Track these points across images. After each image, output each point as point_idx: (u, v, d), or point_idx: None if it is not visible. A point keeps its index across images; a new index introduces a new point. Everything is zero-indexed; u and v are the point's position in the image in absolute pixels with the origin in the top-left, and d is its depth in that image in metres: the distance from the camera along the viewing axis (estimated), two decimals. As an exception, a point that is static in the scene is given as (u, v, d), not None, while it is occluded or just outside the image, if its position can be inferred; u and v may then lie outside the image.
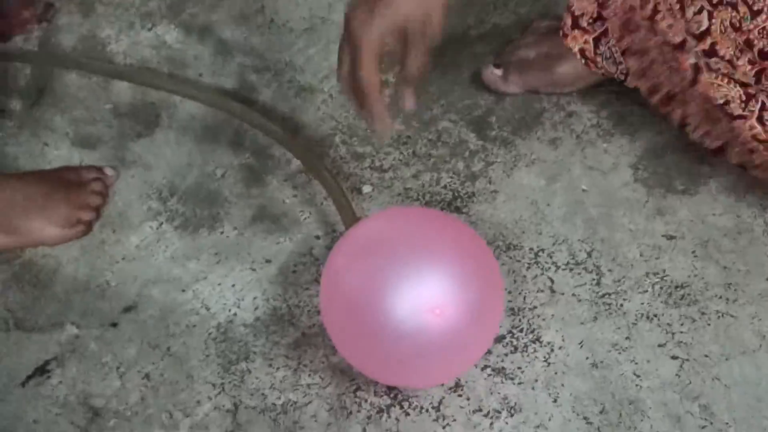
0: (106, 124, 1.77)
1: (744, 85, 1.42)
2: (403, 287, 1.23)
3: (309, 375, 1.46)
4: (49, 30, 1.91)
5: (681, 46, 1.43)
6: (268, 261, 1.61)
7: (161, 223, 1.64)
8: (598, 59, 1.62)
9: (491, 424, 1.38)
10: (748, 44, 1.35)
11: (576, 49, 1.64)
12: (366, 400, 1.42)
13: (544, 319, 1.49)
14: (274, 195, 1.69)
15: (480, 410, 1.40)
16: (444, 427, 1.38)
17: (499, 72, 1.73)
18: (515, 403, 1.39)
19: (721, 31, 1.39)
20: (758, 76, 1.38)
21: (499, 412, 1.39)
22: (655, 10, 1.48)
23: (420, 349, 1.24)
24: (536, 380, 1.42)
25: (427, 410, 1.40)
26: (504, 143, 1.70)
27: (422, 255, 1.29)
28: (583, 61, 1.65)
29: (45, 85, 1.82)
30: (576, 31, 1.64)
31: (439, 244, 1.31)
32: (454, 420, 1.38)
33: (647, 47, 1.56)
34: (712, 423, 1.37)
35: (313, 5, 1.97)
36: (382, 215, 1.43)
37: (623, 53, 1.61)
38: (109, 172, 1.66)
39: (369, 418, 1.40)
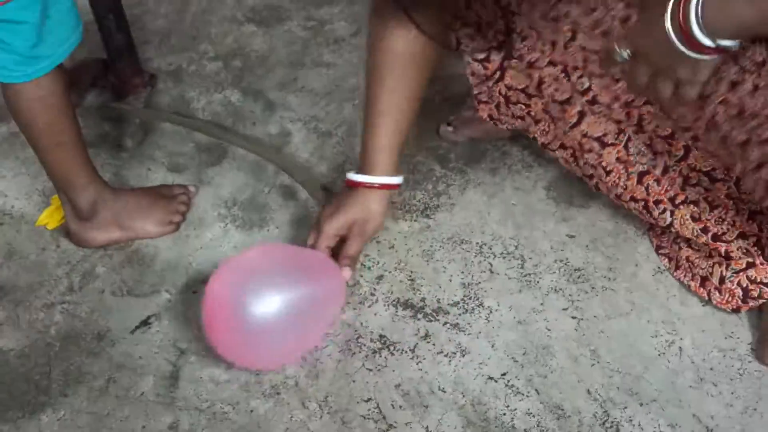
0: (190, 156, 1.78)
1: (617, 122, 1.42)
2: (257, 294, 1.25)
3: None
4: (152, 92, 1.89)
5: (567, 101, 1.42)
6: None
7: (226, 224, 1.66)
8: (503, 119, 1.63)
9: (449, 361, 1.41)
10: (617, 98, 1.38)
11: (485, 116, 1.64)
12: (365, 345, 1.44)
13: (485, 291, 1.52)
14: (303, 205, 1.70)
15: (442, 352, 1.42)
16: (417, 364, 1.40)
17: (450, 129, 1.79)
18: (465, 348, 1.43)
19: (601, 86, 1.39)
20: (627, 115, 1.41)
21: (455, 354, 1.42)
22: (540, 82, 1.47)
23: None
24: (480, 332, 1.45)
25: (405, 352, 1.42)
26: (459, 172, 1.73)
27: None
28: (492, 123, 1.66)
29: (148, 130, 1.82)
30: (482, 104, 1.63)
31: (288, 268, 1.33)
32: (424, 359, 1.41)
33: (534, 109, 1.56)
34: (598, 362, 1.41)
35: (331, 76, 1.95)
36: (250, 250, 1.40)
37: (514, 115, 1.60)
38: (191, 188, 1.68)
39: (366, 357, 1.42)
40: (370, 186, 1.38)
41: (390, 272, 1.58)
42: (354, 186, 1.38)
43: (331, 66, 1.94)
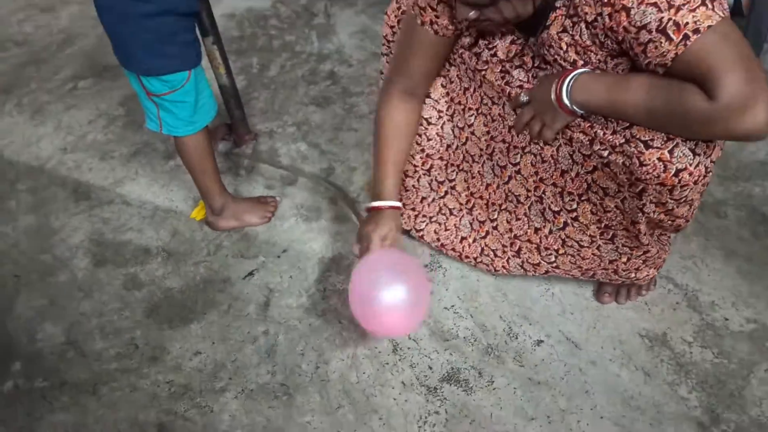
0: (277, 181, 1.79)
1: (481, 149, 1.29)
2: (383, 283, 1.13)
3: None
4: (255, 144, 1.92)
5: (461, 128, 1.29)
6: (338, 235, 1.63)
7: (297, 219, 1.66)
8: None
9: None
10: (489, 133, 1.25)
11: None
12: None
13: (443, 260, 1.52)
14: (339, 210, 1.67)
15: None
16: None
17: None
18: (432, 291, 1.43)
19: (481, 123, 1.28)
20: (487, 147, 1.28)
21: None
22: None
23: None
24: (439, 282, 1.46)
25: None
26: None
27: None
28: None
29: (253, 165, 1.85)
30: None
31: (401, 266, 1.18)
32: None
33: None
34: (506, 300, 1.41)
35: (358, 136, 1.92)
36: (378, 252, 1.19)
37: None
38: (277, 198, 1.69)
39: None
40: (389, 208, 1.24)
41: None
42: (377, 210, 1.25)
43: (358, 130, 1.95)
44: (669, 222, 1.09)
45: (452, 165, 1.36)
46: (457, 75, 1.24)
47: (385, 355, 1.31)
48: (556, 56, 1.02)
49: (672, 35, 0.84)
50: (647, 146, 0.95)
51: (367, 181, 1.69)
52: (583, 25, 0.95)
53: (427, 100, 1.29)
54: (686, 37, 0.83)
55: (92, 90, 2.23)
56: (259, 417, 1.23)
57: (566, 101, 1.00)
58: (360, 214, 1.61)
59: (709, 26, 0.82)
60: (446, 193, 1.40)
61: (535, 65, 1.08)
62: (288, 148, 1.90)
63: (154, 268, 1.54)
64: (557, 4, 0.97)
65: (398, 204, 1.27)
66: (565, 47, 0.99)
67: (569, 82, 0.99)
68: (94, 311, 1.45)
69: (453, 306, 1.41)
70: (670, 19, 0.83)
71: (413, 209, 1.45)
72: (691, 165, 0.94)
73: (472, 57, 1.16)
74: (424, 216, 1.45)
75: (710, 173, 0.98)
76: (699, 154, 0.94)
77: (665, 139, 0.94)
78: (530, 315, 1.37)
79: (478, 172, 1.32)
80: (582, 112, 1.01)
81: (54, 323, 1.43)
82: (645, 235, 1.13)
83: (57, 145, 1.98)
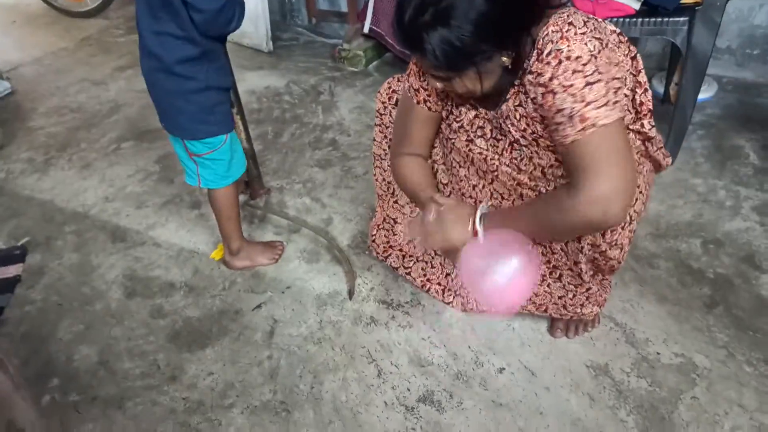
0: (283, 228, 1.79)
1: None
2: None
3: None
4: (267, 197, 1.93)
5: None
6: (334, 276, 1.63)
7: (300, 260, 1.66)
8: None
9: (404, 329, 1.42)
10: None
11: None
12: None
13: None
14: (333, 255, 1.65)
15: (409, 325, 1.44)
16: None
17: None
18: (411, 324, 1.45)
19: None
20: None
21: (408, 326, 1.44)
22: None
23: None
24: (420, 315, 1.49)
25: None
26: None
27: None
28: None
29: (265, 215, 1.85)
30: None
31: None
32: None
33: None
34: (473, 330, 1.42)
35: (353, 192, 1.92)
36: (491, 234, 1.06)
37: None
38: (284, 243, 1.69)
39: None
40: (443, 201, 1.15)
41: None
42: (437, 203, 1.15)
43: (354, 188, 1.95)
44: (604, 262, 1.11)
45: None
46: (438, 140, 1.29)
47: (370, 378, 1.31)
48: (510, 126, 1.07)
49: (577, 123, 0.89)
50: None
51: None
52: (530, 100, 1.00)
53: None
54: (584, 128, 0.88)
55: (133, 150, 2.26)
56: (261, 431, 1.22)
57: (480, 231, 1.06)
58: (348, 261, 1.61)
59: (604, 124, 0.88)
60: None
61: (493, 135, 1.11)
62: (295, 202, 1.90)
63: (177, 300, 1.53)
64: (516, 83, 1.02)
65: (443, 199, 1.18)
66: (518, 117, 1.04)
67: (479, 220, 1.06)
68: (123, 336, 1.45)
69: (429, 337, 1.41)
70: (579, 111, 0.88)
71: (400, 250, 1.46)
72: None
73: (446, 128, 1.21)
74: (411, 256, 1.45)
75: (634, 221, 1.02)
76: (626, 219, 0.99)
77: None
78: (494, 346, 1.36)
79: None
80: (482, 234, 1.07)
81: (89, 345, 1.42)
82: (586, 273, 1.16)
83: (100, 195, 2.00)
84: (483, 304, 1.18)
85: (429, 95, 1.15)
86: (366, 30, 2.82)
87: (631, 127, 1.07)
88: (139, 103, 2.57)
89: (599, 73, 0.89)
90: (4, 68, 2.82)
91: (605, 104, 0.88)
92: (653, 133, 1.12)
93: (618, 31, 1.03)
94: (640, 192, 1.05)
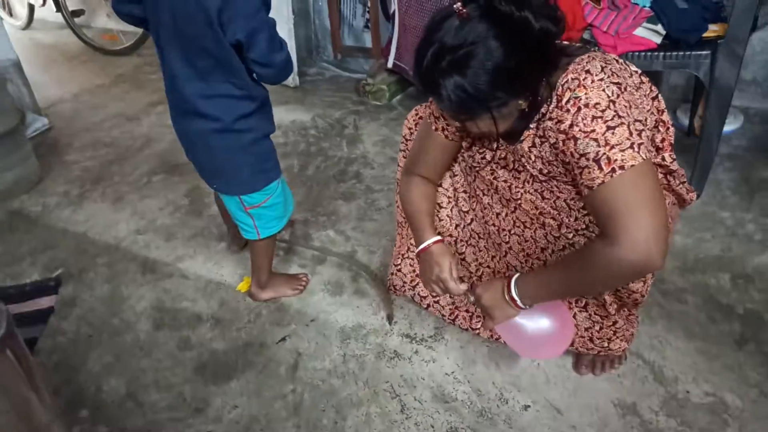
0: (308, 260, 1.81)
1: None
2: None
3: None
4: (293, 230, 1.96)
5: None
6: (358, 308, 1.65)
7: (324, 293, 1.67)
8: None
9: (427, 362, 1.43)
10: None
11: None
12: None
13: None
14: (359, 284, 1.69)
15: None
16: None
17: None
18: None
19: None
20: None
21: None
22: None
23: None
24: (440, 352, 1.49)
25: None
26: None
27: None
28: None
29: (291, 248, 1.87)
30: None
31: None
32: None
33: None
34: (498, 368, 1.43)
35: (376, 225, 1.95)
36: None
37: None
38: (308, 276, 1.71)
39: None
40: (433, 243, 1.21)
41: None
42: (426, 251, 1.22)
43: (377, 220, 1.97)
44: (627, 295, 1.11)
45: (461, 241, 1.38)
46: (461, 169, 1.32)
47: (394, 414, 1.30)
48: (526, 164, 1.09)
49: (603, 166, 0.88)
50: None
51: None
52: (547, 144, 1.02)
53: (440, 189, 1.33)
54: (613, 170, 0.87)
55: (163, 183, 2.31)
56: (284, 465, 1.22)
57: (519, 303, 1.07)
58: (383, 286, 1.62)
59: (632, 165, 0.87)
60: (457, 263, 1.41)
61: (515, 167, 1.13)
62: (319, 234, 1.93)
63: (203, 332, 1.55)
64: (531, 126, 1.03)
65: (438, 237, 1.24)
66: (533, 159, 1.06)
67: (514, 287, 1.06)
68: (151, 367, 1.47)
69: (453, 372, 1.40)
70: (604, 154, 0.88)
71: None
72: None
73: (469, 157, 1.23)
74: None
75: None
76: None
77: None
78: (519, 383, 1.35)
79: (484, 246, 1.34)
80: (526, 306, 1.08)
81: (117, 377, 1.45)
82: (611, 305, 1.16)
83: (131, 228, 2.04)
84: (522, 355, 1.23)
85: (448, 125, 1.16)
86: (389, 65, 2.87)
87: (654, 160, 1.09)
88: (169, 137, 2.64)
89: (619, 116, 0.90)
90: (43, 105, 2.92)
91: (630, 146, 0.88)
92: (675, 166, 1.12)
93: (639, 71, 1.04)
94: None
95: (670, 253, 1.64)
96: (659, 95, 1.07)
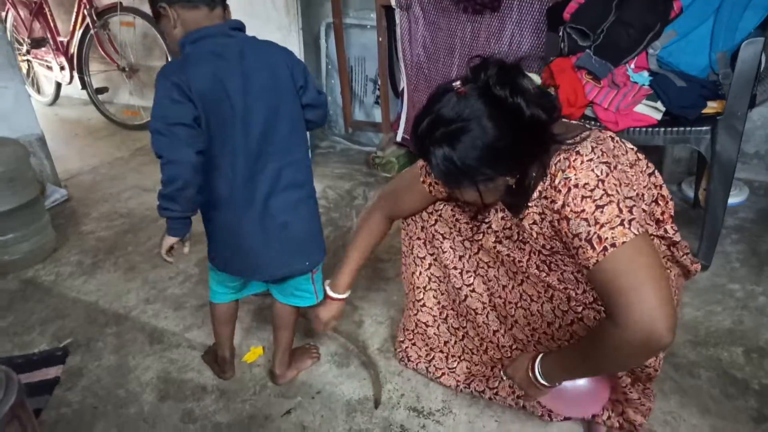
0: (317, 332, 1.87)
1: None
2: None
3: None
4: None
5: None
6: (364, 380, 1.64)
7: (331, 364, 1.66)
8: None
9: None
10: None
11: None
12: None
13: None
14: (361, 362, 1.71)
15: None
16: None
17: None
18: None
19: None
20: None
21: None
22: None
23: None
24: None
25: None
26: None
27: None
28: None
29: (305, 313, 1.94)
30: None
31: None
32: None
33: None
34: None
35: (386, 295, 1.96)
36: None
37: None
38: (317, 346, 1.70)
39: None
40: (336, 300, 1.43)
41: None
42: (329, 298, 1.43)
43: (386, 290, 1.97)
44: (640, 369, 1.10)
45: (461, 315, 1.40)
46: (450, 246, 1.34)
47: (399, 492, 1.26)
48: (529, 239, 1.11)
49: (596, 245, 0.90)
50: None
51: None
52: (547, 222, 1.05)
53: (432, 269, 1.38)
54: (605, 249, 0.89)
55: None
56: None
57: (543, 382, 1.10)
58: (375, 368, 1.62)
59: (623, 242, 0.88)
60: (463, 336, 1.43)
61: (519, 239, 1.16)
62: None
63: (208, 404, 1.53)
64: (530, 204, 1.07)
65: (343, 297, 1.40)
66: (535, 235, 1.09)
67: (537, 369, 1.09)
68: (154, 441, 1.44)
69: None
70: (595, 233, 0.90)
71: (441, 351, 1.47)
72: None
73: (470, 229, 1.26)
74: (453, 356, 1.46)
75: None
76: None
77: None
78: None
79: (483, 321, 1.34)
80: (552, 385, 1.11)
81: (120, 450, 1.42)
82: (622, 377, 1.14)
83: (141, 297, 2.06)
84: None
85: (437, 183, 1.22)
86: (399, 138, 2.98)
87: (654, 233, 1.11)
88: (183, 208, 2.69)
89: (608, 195, 0.93)
90: (63, 177, 3.02)
91: (620, 223, 0.90)
92: (677, 237, 1.14)
93: (635, 149, 1.09)
94: (676, 301, 1.07)
95: (681, 326, 1.64)
96: (656, 171, 1.11)
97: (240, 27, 1.18)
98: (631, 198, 0.94)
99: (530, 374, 1.10)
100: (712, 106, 1.83)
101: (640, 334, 0.86)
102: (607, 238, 0.89)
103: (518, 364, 1.15)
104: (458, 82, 0.94)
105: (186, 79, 1.08)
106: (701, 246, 1.93)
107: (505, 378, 1.19)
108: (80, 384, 1.66)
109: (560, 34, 1.98)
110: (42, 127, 2.83)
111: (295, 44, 2.89)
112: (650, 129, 1.85)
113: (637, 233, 0.90)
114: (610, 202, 0.91)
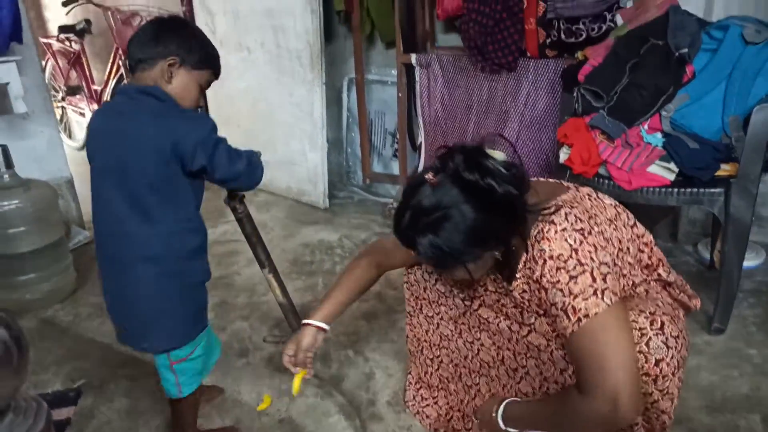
0: (327, 383, 1.83)
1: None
2: None
3: None
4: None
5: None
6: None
7: (340, 414, 1.63)
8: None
9: None
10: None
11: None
12: None
13: None
14: (380, 411, 1.71)
15: None
16: None
17: None
18: None
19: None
20: None
21: None
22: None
23: None
24: None
25: None
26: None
27: None
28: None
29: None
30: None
31: None
32: None
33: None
34: None
35: (395, 346, 1.94)
36: None
37: None
38: (239, 430, 1.58)
39: None
40: (313, 326, 1.31)
41: None
42: (306, 325, 1.32)
43: (397, 342, 1.95)
44: (656, 416, 1.07)
45: (474, 371, 1.39)
46: (453, 303, 1.34)
47: None
48: (521, 305, 1.17)
49: (570, 315, 0.95)
50: None
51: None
52: (534, 290, 1.08)
53: (441, 328, 1.40)
54: (579, 319, 0.94)
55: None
56: None
57: (503, 426, 1.15)
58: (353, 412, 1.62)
59: (596, 313, 0.93)
60: (475, 395, 1.42)
61: (513, 304, 1.22)
62: (338, 354, 1.91)
63: (215, 451, 1.52)
64: (518, 275, 1.11)
65: (323, 325, 1.31)
66: (527, 303, 1.14)
67: (501, 412, 1.14)
68: (159, 488, 1.43)
69: None
70: (569, 303, 0.96)
71: (458, 410, 1.46)
72: (666, 356, 1.00)
73: (462, 304, 1.30)
74: (468, 415, 1.43)
75: (682, 368, 1.03)
76: (671, 347, 1.01)
77: (640, 334, 1.00)
78: None
79: (495, 375, 1.33)
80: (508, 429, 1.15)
81: (125, 495, 1.41)
82: (637, 425, 1.11)
83: (156, 340, 2.07)
84: None
85: None
86: (415, 191, 3.00)
87: (649, 278, 1.15)
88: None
89: (581, 264, 0.97)
90: (87, 219, 3.08)
91: (593, 293, 0.94)
92: (672, 278, 1.18)
93: (615, 203, 1.13)
94: (683, 337, 1.06)
95: (697, 390, 1.62)
96: (637, 222, 1.15)
97: (147, 92, 1.19)
98: (606, 264, 0.97)
99: (493, 415, 1.15)
100: (725, 169, 1.84)
101: (604, 409, 0.91)
102: (580, 309, 0.94)
103: (487, 406, 1.19)
104: (429, 174, 0.99)
105: None
106: (717, 309, 1.91)
107: (476, 420, 1.22)
108: (91, 426, 1.65)
109: (574, 94, 2.02)
110: (71, 171, 2.92)
111: (318, 98, 3.00)
112: (664, 189, 1.87)
113: (609, 304, 0.94)
114: (584, 272, 0.95)
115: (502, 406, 1.15)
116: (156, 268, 1.19)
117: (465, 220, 0.96)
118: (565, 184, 1.11)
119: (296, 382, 1.34)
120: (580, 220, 0.99)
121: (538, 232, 1.00)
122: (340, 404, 1.67)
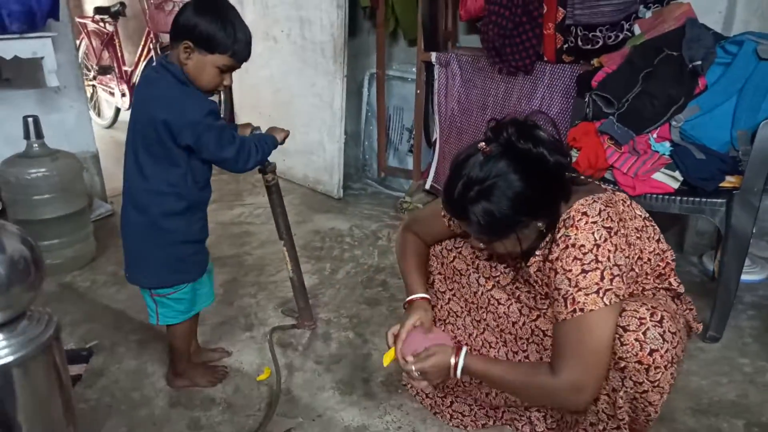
0: (326, 359, 1.88)
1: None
2: None
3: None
4: (315, 329, 2.07)
5: None
6: (365, 410, 1.67)
7: (335, 391, 1.71)
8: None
9: None
10: None
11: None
12: None
13: None
14: (372, 389, 1.75)
15: None
16: None
17: None
18: None
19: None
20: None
21: None
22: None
23: None
24: None
25: None
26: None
27: None
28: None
29: (310, 344, 1.97)
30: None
31: None
32: None
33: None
34: None
35: None
36: None
37: None
38: (227, 368, 1.72)
39: None
40: (419, 299, 1.33)
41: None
42: (411, 303, 1.33)
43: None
44: (642, 407, 1.08)
45: (476, 350, 1.38)
46: (466, 282, 1.36)
47: None
48: (534, 283, 1.20)
49: (568, 305, 1.01)
50: (625, 330, 1.03)
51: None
52: (546, 269, 1.12)
53: (451, 304, 1.42)
54: (574, 311, 1.01)
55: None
56: None
57: (458, 372, 1.17)
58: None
59: (591, 310, 0.99)
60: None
61: (532, 296, 1.28)
62: (339, 335, 1.96)
63: (214, 415, 1.57)
64: (537, 253, 1.15)
65: (426, 295, 1.34)
66: (540, 281, 1.18)
67: (462, 357, 1.16)
68: (160, 443, 1.50)
69: None
70: (571, 294, 1.01)
71: (458, 386, 1.47)
72: (661, 348, 1.01)
73: (487, 268, 1.31)
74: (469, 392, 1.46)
75: (676, 364, 1.04)
76: (667, 341, 1.02)
77: (639, 323, 1.02)
78: None
79: (495, 355, 1.35)
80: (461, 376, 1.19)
81: (127, 448, 1.48)
82: (621, 410, 1.12)
83: (167, 310, 2.14)
84: None
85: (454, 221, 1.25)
86: (427, 186, 3.09)
87: (660, 286, 1.19)
88: (214, 229, 2.82)
89: (597, 261, 1.01)
90: (110, 194, 3.18)
91: (596, 292, 0.99)
92: (681, 289, 1.22)
93: (645, 216, 1.17)
94: (681, 337, 1.07)
95: (684, 393, 1.64)
96: (662, 237, 1.19)
97: (167, 68, 1.33)
98: (619, 266, 1.01)
99: (452, 359, 1.16)
100: (730, 180, 1.86)
101: (568, 393, 1.03)
102: (579, 302, 0.99)
103: (442, 355, 1.18)
104: (482, 143, 1.03)
105: None
106: (713, 317, 1.92)
107: (426, 366, 1.20)
108: (99, 383, 1.74)
109: (586, 99, 2.06)
110: (98, 147, 3.03)
111: (338, 90, 3.06)
112: (666, 197, 1.89)
113: (607, 304, 0.99)
114: (596, 269, 1.00)
115: (461, 358, 1.16)
116: (141, 217, 1.39)
117: (516, 187, 1.00)
118: (603, 186, 1.15)
119: (389, 354, 1.34)
120: (611, 218, 1.03)
121: (569, 218, 1.03)
122: (337, 380, 1.72)
